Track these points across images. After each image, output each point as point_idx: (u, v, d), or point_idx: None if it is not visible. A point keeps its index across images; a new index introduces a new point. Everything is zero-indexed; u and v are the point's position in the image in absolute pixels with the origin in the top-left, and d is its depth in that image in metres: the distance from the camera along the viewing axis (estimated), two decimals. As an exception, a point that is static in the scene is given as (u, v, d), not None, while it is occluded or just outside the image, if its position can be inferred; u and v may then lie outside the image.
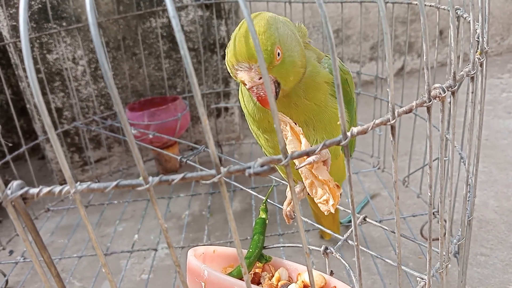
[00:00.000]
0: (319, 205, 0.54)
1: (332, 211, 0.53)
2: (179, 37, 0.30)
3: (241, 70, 0.55)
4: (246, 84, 0.55)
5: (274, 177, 0.86)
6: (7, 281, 1.09)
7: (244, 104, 0.67)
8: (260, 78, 0.55)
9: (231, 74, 0.58)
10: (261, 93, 0.55)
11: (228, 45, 0.57)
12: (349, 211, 0.76)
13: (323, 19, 0.33)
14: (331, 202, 0.53)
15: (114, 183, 0.33)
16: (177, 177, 0.34)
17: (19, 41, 1.33)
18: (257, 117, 0.65)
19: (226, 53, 0.58)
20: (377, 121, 0.40)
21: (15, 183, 0.33)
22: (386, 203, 1.25)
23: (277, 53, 0.55)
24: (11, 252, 1.23)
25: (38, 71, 1.39)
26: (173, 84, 1.60)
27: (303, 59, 0.60)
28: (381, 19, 0.36)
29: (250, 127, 0.72)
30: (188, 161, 0.93)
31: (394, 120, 0.40)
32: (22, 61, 1.36)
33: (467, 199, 0.64)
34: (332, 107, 0.65)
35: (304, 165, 0.53)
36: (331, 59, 0.35)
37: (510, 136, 1.53)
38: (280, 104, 0.62)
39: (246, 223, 1.21)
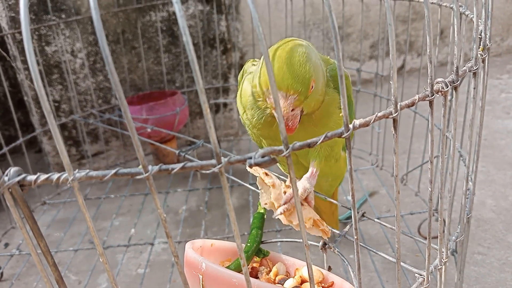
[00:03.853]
0: (309, 230, 0.59)
1: (324, 234, 0.59)
2: (182, 22, 0.29)
3: None
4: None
5: (272, 173, 0.85)
6: (2, 274, 1.08)
7: (245, 113, 0.67)
8: (293, 109, 0.56)
9: (256, 95, 0.59)
10: (290, 124, 0.57)
11: (260, 66, 0.58)
12: (348, 207, 0.76)
13: (327, 7, 0.32)
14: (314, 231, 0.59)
15: (113, 171, 0.33)
16: (177, 166, 0.33)
17: (18, 32, 1.32)
18: (260, 127, 0.66)
19: (257, 75, 0.58)
20: (379, 114, 0.40)
21: (12, 170, 0.32)
22: (384, 201, 1.24)
23: (311, 86, 0.56)
24: (6, 245, 1.22)
25: (36, 63, 1.39)
26: (172, 79, 1.60)
27: (324, 88, 0.61)
28: (386, 9, 0.35)
29: (249, 131, 0.71)
30: (186, 155, 0.92)
31: (397, 113, 0.40)
32: (20, 52, 1.35)
33: (466, 196, 0.64)
34: (337, 118, 0.65)
35: (279, 214, 0.57)
36: (335, 50, 0.35)
37: (508, 136, 1.53)
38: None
39: (243, 219, 1.21)
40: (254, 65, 0.69)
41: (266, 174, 0.58)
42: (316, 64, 0.58)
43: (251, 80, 0.63)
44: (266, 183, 0.58)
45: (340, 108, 0.64)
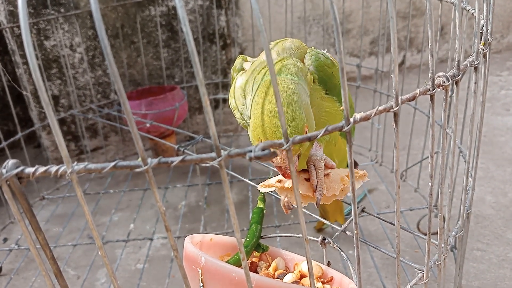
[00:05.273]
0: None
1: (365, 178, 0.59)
2: (181, 13, 0.29)
3: None
4: (273, 162, 0.54)
5: (272, 168, 0.85)
6: (1, 268, 1.08)
7: (237, 111, 0.65)
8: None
9: (252, 143, 0.55)
10: (288, 172, 0.54)
11: (254, 114, 0.54)
12: (348, 203, 0.76)
13: (329, 0, 0.32)
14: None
15: (112, 163, 0.32)
16: (176, 159, 0.33)
17: (16, 26, 1.31)
18: None
19: (252, 125, 0.54)
20: (380, 108, 0.39)
21: (10, 162, 0.32)
22: (383, 197, 1.24)
23: (305, 133, 0.53)
24: (5, 239, 1.22)
25: (35, 56, 1.38)
26: (171, 74, 1.59)
27: (310, 106, 0.57)
28: (388, 2, 0.35)
29: (238, 121, 0.70)
30: (185, 151, 0.92)
31: (398, 107, 0.39)
32: (19, 47, 1.34)
33: (466, 192, 0.64)
34: (326, 107, 0.64)
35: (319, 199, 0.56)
36: (336, 42, 0.35)
37: (507, 133, 1.53)
38: None
39: (242, 214, 1.21)
40: (247, 62, 0.67)
41: (280, 181, 0.56)
42: (305, 102, 0.54)
43: (243, 83, 0.63)
44: (286, 187, 0.55)
45: (327, 96, 0.63)
